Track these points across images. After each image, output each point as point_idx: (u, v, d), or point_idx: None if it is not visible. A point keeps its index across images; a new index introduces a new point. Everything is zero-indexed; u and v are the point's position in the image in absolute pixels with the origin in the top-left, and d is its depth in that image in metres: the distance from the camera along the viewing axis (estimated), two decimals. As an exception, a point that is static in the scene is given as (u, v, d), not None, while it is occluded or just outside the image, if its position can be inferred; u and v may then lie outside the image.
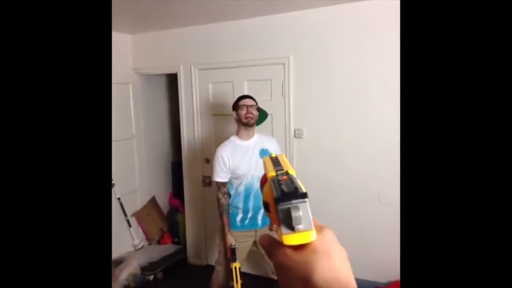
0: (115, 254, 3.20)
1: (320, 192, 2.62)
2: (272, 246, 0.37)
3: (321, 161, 2.66)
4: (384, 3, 2.30)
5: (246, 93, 2.57)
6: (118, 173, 3.19)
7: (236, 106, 2.16)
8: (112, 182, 3.17)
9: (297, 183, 0.36)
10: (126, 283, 2.88)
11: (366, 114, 2.48)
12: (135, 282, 2.92)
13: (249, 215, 2.19)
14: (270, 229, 2.22)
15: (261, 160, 2.00)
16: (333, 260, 0.33)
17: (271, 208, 0.36)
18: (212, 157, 2.23)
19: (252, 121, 2.13)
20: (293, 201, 0.34)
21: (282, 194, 0.34)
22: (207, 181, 3.09)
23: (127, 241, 3.39)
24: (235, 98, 2.25)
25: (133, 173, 3.49)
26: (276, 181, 0.37)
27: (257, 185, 2.10)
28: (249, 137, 2.17)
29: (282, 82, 2.69)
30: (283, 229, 0.34)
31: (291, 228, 0.33)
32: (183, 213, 3.50)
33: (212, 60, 2.96)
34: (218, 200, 2.16)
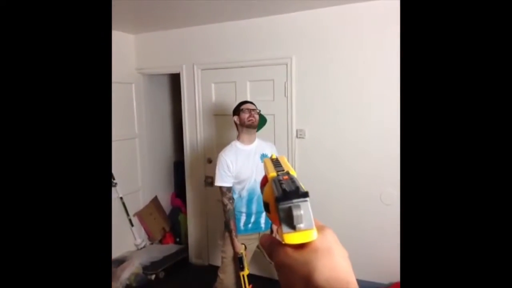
0: (117, 253, 3.20)
1: (322, 192, 2.62)
2: (273, 245, 0.37)
3: (323, 162, 2.66)
4: (384, 3, 2.31)
5: (248, 93, 2.58)
6: (120, 172, 3.19)
7: (238, 111, 2.16)
8: (115, 181, 3.17)
9: (298, 182, 0.36)
10: (128, 282, 2.89)
11: (368, 115, 2.47)
12: (137, 281, 2.92)
13: (252, 219, 2.19)
14: (271, 233, 2.22)
15: (262, 165, 1.99)
16: (334, 259, 0.33)
17: (272, 208, 0.36)
18: (214, 158, 2.22)
19: (255, 123, 2.14)
20: (295, 200, 0.34)
21: (283, 193, 0.34)
22: (209, 181, 3.09)
23: (129, 240, 3.39)
24: (238, 98, 2.25)
25: (136, 173, 3.50)
26: (277, 181, 0.37)
27: (259, 189, 2.08)
28: (251, 141, 2.18)
29: (285, 82, 2.69)
30: (284, 228, 0.34)
31: (292, 227, 0.33)
32: (185, 213, 3.51)
33: (215, 60, 2.97)
34: (225, 205, 2.12)
